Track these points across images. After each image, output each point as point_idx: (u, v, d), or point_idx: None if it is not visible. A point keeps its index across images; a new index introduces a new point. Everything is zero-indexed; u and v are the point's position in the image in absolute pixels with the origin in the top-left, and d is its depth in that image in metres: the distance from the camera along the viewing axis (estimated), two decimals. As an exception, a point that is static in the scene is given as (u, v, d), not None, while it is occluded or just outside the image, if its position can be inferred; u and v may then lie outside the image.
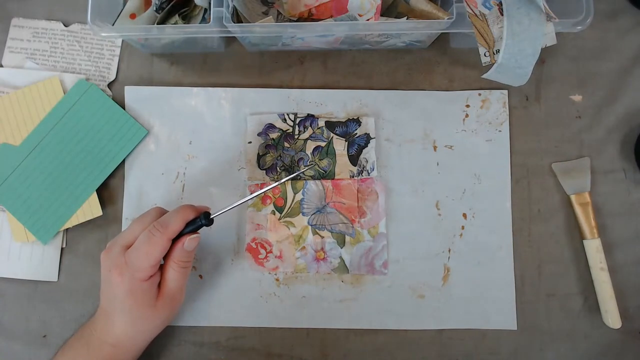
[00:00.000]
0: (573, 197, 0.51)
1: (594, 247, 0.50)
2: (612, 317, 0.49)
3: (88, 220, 0.51)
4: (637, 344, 0.50)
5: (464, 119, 0.52)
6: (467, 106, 0.53)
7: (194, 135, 0.53)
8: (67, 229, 0.51)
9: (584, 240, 0.51)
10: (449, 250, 0.51)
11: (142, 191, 0.52)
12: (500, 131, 0.52)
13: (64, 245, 0.51)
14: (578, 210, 0.51)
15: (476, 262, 0.51)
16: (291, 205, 0.51)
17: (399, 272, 0.51)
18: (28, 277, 0.51)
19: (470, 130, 0.52)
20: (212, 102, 0.53)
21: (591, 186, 0.51)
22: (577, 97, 0.53)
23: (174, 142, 0.53)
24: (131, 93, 0.53)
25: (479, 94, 0.53)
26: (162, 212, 0.45)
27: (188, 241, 0.43)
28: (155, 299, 0.43)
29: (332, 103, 0.53)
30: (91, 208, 0.51)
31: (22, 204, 0.50)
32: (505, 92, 0.53)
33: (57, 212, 0.50)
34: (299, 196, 0.51)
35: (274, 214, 0.51)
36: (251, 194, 0.51)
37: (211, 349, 0.50)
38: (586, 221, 0.51)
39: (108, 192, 0.52)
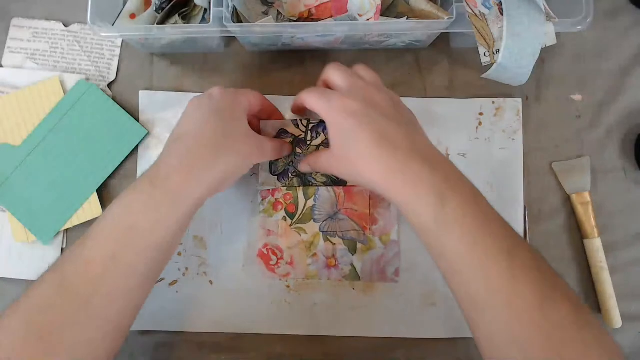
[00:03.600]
0: (573, 197, 0.51)
1: (594, 247, 0.50)
2: (612, 317, 0.49)
3: (88, 220, 0.51)
4: (638, 344, 0.50)
5: (477, 127, 0.52)
6: (481, 114, 0.52)
7: None
8: (67, 229, 0.51)
9: (584, 240, 0.51)
10: None
11: None
12: (513, 139, 0.52)
13: (64, 246, 0.51)
14: (578, 210, 0.51)
15: None
16: (302, 211, 0.51)
17: (411, 279, 0.50)
18: (28, 277, 0.51)
19: (484, 139, 0.52)
20: None
21: (591, 186, 0.51)
22: (577, 97, 0.53)
23: None
24: (145, 98, 0.53)
25: (493, 102, 0.52)
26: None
27: (286, 147, 0.49)
28: (248, 127, 0.44)
29: None
30: (91, 208, 0.51)
31: (22, 204, 0.50)
32: (519, 100, 0.52)
33: (58, 212, 0.50)
34: (310, 202, 0.51)
35: (285, 220, 0.51)
36: (262, 200, 0.51)
37: (212, 349, 0.50)
38: (586, 221, 0.51)
39: (108, 192, 0.52)
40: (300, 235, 0.51)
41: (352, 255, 0.50)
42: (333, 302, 0.50)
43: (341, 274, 0.50)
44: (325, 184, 0.51)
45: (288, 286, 0.51)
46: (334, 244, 0.50)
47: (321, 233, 0.51)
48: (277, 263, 0.50)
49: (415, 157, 0.39)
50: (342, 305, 0.50)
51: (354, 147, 0.40)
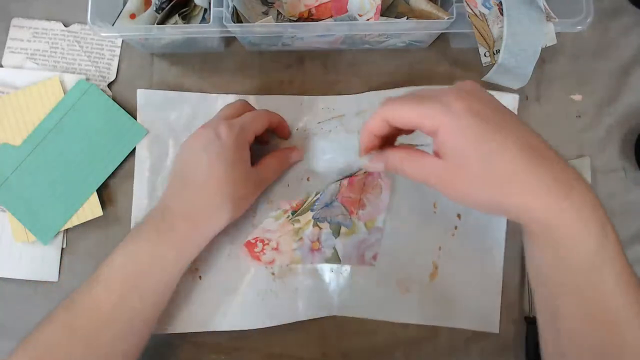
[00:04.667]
0: (573, 197, 0.51)
1: (594, 247, 0.50)
2: (612, 317, 0.49)
3: (88, 221, 0.51)
4: (638, 344, 0.50)
5: None
6: None
7: None
8: (67, 229, 0.51)
9: (584, 240, 0.51)
10: (439, 248, 0.50)
11: (151, 193, 0.51)
12: None
13: (64, 246, 0.51)
14: (578, 210, 0.51)
15: (466, 262, 0.50)
16: (304, 206, 0.51)
17: (388, 265, 0.50)
18: (28, 277, 0.51)
19: None
20: None
21: (591, 186, 0.51)
22: (577, 97, 0.53)
23: None
24: (143, 96, 0.53)
25: None
26: (248, 104, 0.49)
27: (295, 154, 0.50)
28: (249, 168, 0.45)
29: (344, 109, 0.52)
30: (91, 208, 0.51)
31: (22, 204, 0.50)
32: (517, 96, 0.52)
33: (57, 212, 0.50)
34: (315, 197, 0.50)
35: (288, 218, 0.50)
36: (278, 208, 0.51)
37: (212, 349, 0.50)
38: (586, 221, 0.51)
39: (108, 192, 0.52)
40: (294, 225, 0.50)
41: (335, 238, 0.50)
42: (313, 286, 0.50)
43: (323, 257, 0.50)
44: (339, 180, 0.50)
45: (273, 274, 0.50)
46: (321, 229, 0.50)
47: (313, 220, 0.50)
48: (262, 250, 0.50)
49: (571, 173, 0.33)
50: (321, 288, 0.50)
51: (495, 161, 0.32)
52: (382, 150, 0.38)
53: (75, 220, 0.51)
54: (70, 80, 0.53)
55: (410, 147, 0.39)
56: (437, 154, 0.35)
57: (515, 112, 0.52)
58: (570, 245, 0.32)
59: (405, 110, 0.35)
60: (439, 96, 0.34)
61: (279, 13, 0.49)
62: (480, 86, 0.36)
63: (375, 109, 0.37)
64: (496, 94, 0.51)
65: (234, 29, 0.45)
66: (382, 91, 0.52)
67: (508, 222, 0.51)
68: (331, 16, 0.48)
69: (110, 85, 0.53)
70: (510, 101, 0.52)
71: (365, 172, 0.50)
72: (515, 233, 0.51)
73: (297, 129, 0.52)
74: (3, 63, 0.53)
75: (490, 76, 0.46)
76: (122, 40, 0.54)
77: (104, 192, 0.52)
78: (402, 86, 0.53)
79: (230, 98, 0.52)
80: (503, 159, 0.32)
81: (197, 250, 0.44)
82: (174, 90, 0.53)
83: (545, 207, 0.32)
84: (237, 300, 0.50)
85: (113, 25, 0.49)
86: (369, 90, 0.53)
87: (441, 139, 0.34)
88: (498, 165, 0.32)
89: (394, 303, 0.50)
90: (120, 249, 0.42)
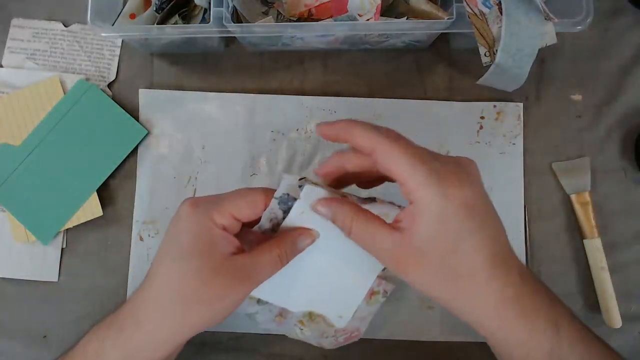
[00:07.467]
0: (573, 197, 0.51)
1: (594, 247, 0.50)
2: (612, 317, 0.49)
3: (88, 221, 0.51)
4: (638, 344, 0.50)
5: (478, 131, 0.52)
6: (482, 118, 0.52)
7: (207, 140, 0.52)
8: (67, 229, 0.51)
9: (584, 240, 0.51)
10: None
11: (153, 194, 0.51)
12: (514, 144, 0.52)
13: (64, 246, 0.51)
14: (578, 210, 0.51)
15: None
16: None
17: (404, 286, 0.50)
18: (28, 277, 0.51)
19: (484, 143, 0.52)
20: (226, 108, 0.53)
21: (591, 186, 0.51)
22: (577, 97, 0.53)
23: (187, 146, 0.52)
24: (145, 96, 0.53)
25: (494, 106, 0.52)
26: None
27: (302, 238, 0.36)
28: (222, 257, 0.34)
29: (345, 111, 0.52)
30: (91, 208, 0.51)
31: (22, 204, 0.50)
32: (521, 104, 0.52)
33: (57, 212, 0.50)
34: None
35: None
36: None
37: (212, 349, 0.50)
38: (586, 221, 0.51)
39: (108, 192, 0.52)
40: None
41: None
42: None
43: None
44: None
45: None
46: None
47: None
48: None
49: (527, 278, 0.33)
50: None
51: (462, 261, 0.31)
52: (338, 193, 0.33)
53: (75, 220, 0.51)
54: (70, 80, 0.53)
55: (367, 210, 0.34)
56: (396, 223, 0.33)
57: (521, 120, 0.52)
58: (523, 350, 0.32)
59: (392, 160, 0.31)
60: (436, 165, 0.32)
61: (279, 13, 0.49)
62: (478, 170, 0.34)
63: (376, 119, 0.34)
64: (500, 105, 0.52)
65: (234, 29, 0.45)
66: (383, 99, 0.52)
67: (527, 228, 0.51)
68: (331, 16, 0.48)
69: (110, 85, 0.53)
70: (514, 109, 0.52)
71: None
72: (534, 247, 0.51)
73: (297, 130, 0.52)
74: (3, 63, 0.53)
75: (486, 78, 0.46)
76: (122, 40, 0.54)
77: (104, 192, 0.52)
78: (401, 86, 0.53)
79: (231, 98, 0.53)
80: (468, 258, 0.31)
81: (147, 354, 0.35)
82: (174, 90, 0.53)
83: (495, 316, 0.32)
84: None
85: (113, 25, 0.49)
86: (369, 92, 0.53)
87: (420, 215, 0.31)
88: (463, 264, 0.31)
89: (417, 322, 0.50)
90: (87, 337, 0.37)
